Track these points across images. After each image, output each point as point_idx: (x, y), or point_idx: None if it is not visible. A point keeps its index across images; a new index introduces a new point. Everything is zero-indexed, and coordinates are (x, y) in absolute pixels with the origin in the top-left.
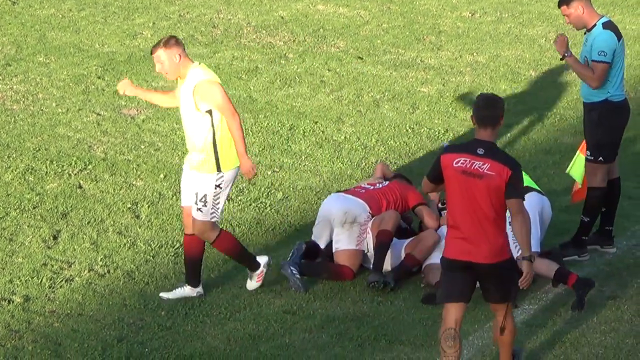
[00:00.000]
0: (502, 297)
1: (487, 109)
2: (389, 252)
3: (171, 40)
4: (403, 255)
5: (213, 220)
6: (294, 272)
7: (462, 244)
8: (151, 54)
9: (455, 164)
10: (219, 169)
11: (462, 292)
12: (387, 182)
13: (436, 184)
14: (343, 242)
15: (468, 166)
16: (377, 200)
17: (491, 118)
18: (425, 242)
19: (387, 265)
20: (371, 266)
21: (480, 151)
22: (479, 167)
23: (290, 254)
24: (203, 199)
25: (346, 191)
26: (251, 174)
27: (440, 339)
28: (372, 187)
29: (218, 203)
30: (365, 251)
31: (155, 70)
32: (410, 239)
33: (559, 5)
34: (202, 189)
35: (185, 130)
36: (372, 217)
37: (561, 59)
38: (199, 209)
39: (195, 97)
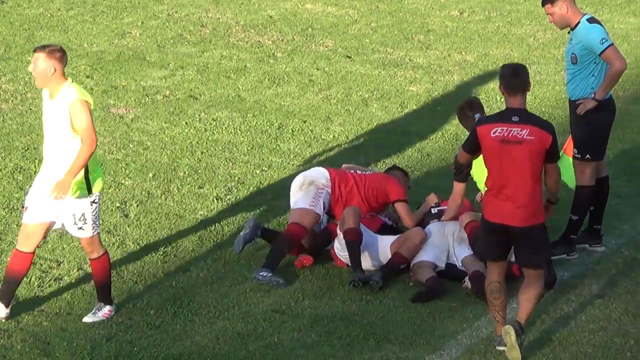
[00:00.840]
0: (534, 261)
1: (515, 77)
2: (377, 249)
3: (57, 53)
4: (389, 253)
5: (96, 233)
6: (265, 274)
7: (499, 207)
8: (33, 51)
9: (493, 134)
10: (90, 192)
11: (499, 253)
12: (372, 172)
13: (472, 154)
14: (297, 202)
15: (506, 134)
16: (343, 174)
17: (520, 84)
18: (412, 240)
19: (371, 264)
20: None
21: (515, 118)
22: (517, 133)
23: (244, 235)
24: (82, 219)
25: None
26: (58, 194)
27: (485, 292)
28: (351, 171)
29: (96, 217)
30: (321, 215)
31: (28, 69)
32: (397, 236)
33: (543, 4)
34: (78, 210)
35: (50, 150)
36: (331, 184)
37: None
38: (80, 228)
39: (71, 115)
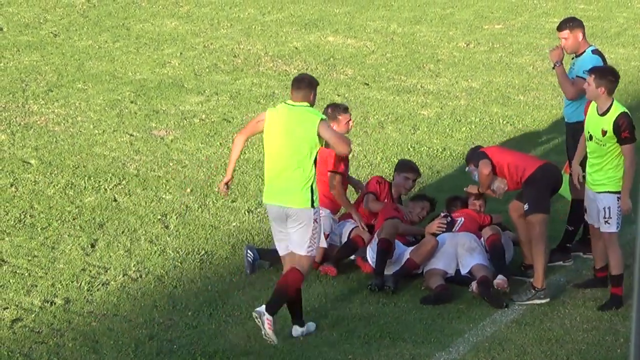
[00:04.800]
0: None
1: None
2: (401, 260)
3: None
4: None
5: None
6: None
7: None
8: None
9: None
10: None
11: None
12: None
13: None
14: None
15: None
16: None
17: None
18: (424, 247)
19: (390, 270)
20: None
21: None
22: None
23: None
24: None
25: None
26: None
27: None
28: None
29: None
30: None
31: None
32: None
33: (561, 29)
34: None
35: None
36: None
37: (553, 68)
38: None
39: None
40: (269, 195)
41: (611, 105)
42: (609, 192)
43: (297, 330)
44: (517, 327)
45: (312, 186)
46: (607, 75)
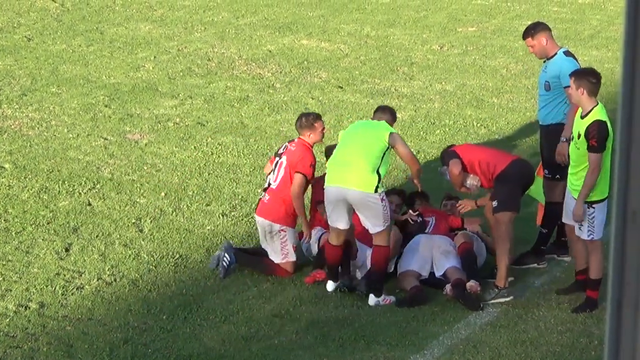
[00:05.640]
0: None
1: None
2: (360, 261)
3: None
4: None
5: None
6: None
7: None
8: None
9: None
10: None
11: None
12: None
13: None
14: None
15: None
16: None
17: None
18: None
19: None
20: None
21: None
22: None
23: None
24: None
25: None
26: None
27: None
28: None
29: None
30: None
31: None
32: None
33: (524, 37)
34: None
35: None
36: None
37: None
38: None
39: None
40: None
41: (593, 109)
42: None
43: (372, 299)
44: (492, 329)
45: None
46: (586, 75)
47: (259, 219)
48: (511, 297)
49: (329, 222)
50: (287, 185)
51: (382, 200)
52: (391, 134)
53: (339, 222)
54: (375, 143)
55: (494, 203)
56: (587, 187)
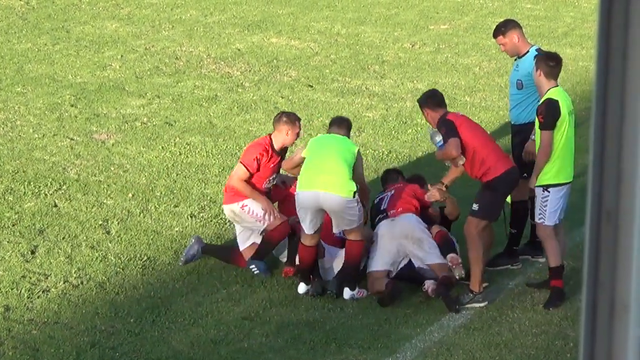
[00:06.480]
0: None
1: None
2: (327, 264)
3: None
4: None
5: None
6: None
7: None
8: None
9: None
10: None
11: None
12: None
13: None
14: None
15: None
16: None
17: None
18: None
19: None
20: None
21: None
22: None
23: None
24: None
25: None
26: None
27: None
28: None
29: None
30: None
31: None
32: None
33: (495, 35)
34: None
35: None
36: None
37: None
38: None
39: None
40: None
41: (548, 90)
42: (538, 185)
43: (348, 293)
44: (466, 332)
45: None
46: (545, 59)
47: (224, 210)
48: (486, 303)
49: (303, 227)
50: None
51: (357, 202)
52: (358, 151)
53: (314, 227)
54: (348, 154)
55: (475, 206)
56: (538, 166)
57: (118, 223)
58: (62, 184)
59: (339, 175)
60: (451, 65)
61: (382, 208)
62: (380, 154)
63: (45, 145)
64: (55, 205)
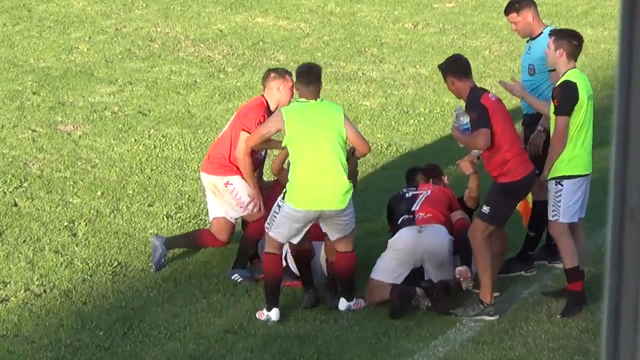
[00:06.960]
0: None
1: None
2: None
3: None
4: (324, 263)
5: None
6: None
7: None
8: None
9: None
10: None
11: None
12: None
13: None
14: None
15: None
16: None
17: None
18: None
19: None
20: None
21: None
22: None
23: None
24: None
25: None
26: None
27: None
28: None
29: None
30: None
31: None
32: (322, 245)
33: (507, 12)
34: None
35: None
36: None
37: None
38: None
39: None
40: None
41: (567, 72)
42: (551, 177)
43: (344, 304)
44: (474, 346)
45: None
46: (567, 36)
47: (202, 177)
48: (497, 317)
49: (289, 240)
50: (228, 138)
51: (351, 206)
52: (345, 115)
53: (302, 239)
54: (339, 138)
55: (486, 208)
56: (551, 156)
57: (85, 224)
58: (23, 180)
59: (339, 187)
60: (458, 47)
61: (411, 209)
62: (379, 147)
63: (4, 137)
64: (15, 205)
